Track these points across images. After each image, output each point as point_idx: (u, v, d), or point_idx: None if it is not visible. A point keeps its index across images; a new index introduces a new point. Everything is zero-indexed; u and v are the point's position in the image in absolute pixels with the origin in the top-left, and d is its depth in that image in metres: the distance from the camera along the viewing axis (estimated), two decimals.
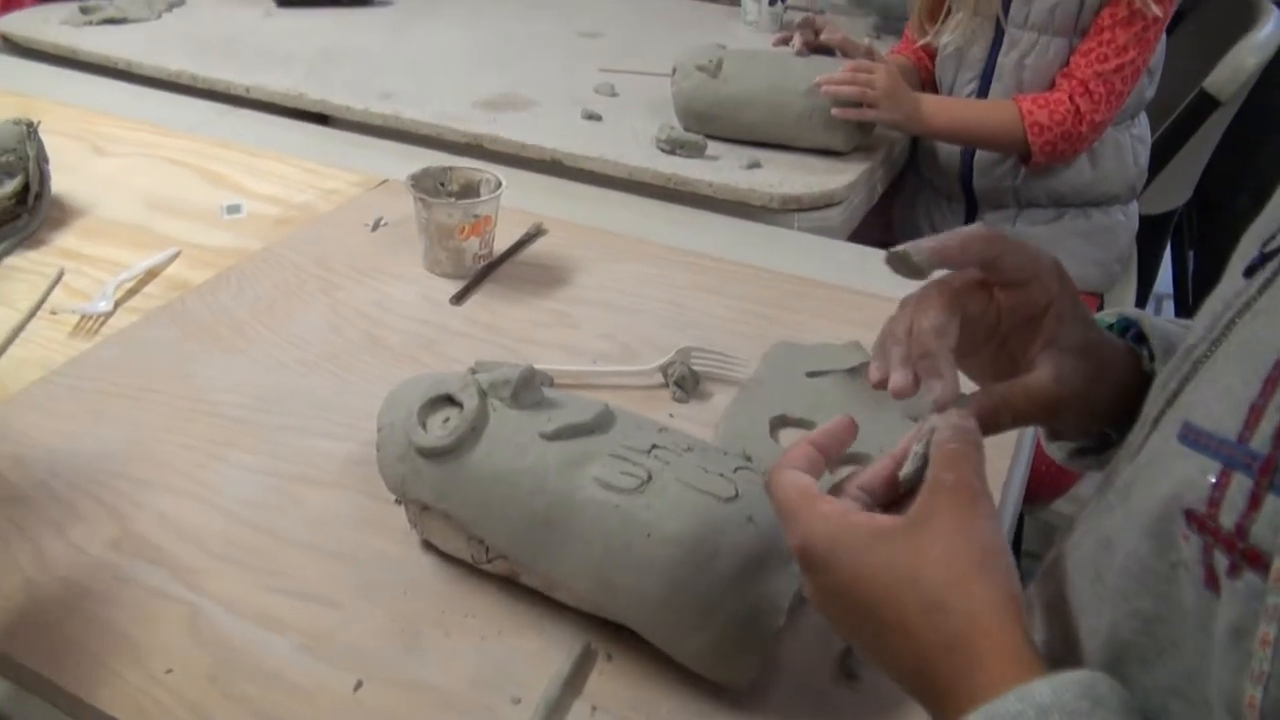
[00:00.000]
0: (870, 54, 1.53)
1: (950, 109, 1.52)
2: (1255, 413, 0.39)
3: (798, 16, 2.03)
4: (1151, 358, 0.62)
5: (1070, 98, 1.46)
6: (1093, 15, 1.46)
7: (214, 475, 0.84)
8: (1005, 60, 1.53)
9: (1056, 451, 0.69)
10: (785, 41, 1.61)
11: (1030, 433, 0.94)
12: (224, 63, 1.74)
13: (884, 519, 0.50)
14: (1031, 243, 0.59)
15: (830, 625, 0.52)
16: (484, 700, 0.66)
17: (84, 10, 2.01)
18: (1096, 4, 1.45)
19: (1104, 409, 0.61)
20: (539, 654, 0.69)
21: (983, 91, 1.56)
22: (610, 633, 0.70)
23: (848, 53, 1.53)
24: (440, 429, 0.73)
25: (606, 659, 0.69)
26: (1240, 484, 0.38)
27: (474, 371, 0.76)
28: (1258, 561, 0.37)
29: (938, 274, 0.58)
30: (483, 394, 0.73)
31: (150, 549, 0.77)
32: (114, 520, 0.80)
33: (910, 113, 1.45)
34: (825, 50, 1.54)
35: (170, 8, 2.05)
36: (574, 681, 0.68)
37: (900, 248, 0.56)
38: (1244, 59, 1.66)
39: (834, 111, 1.41)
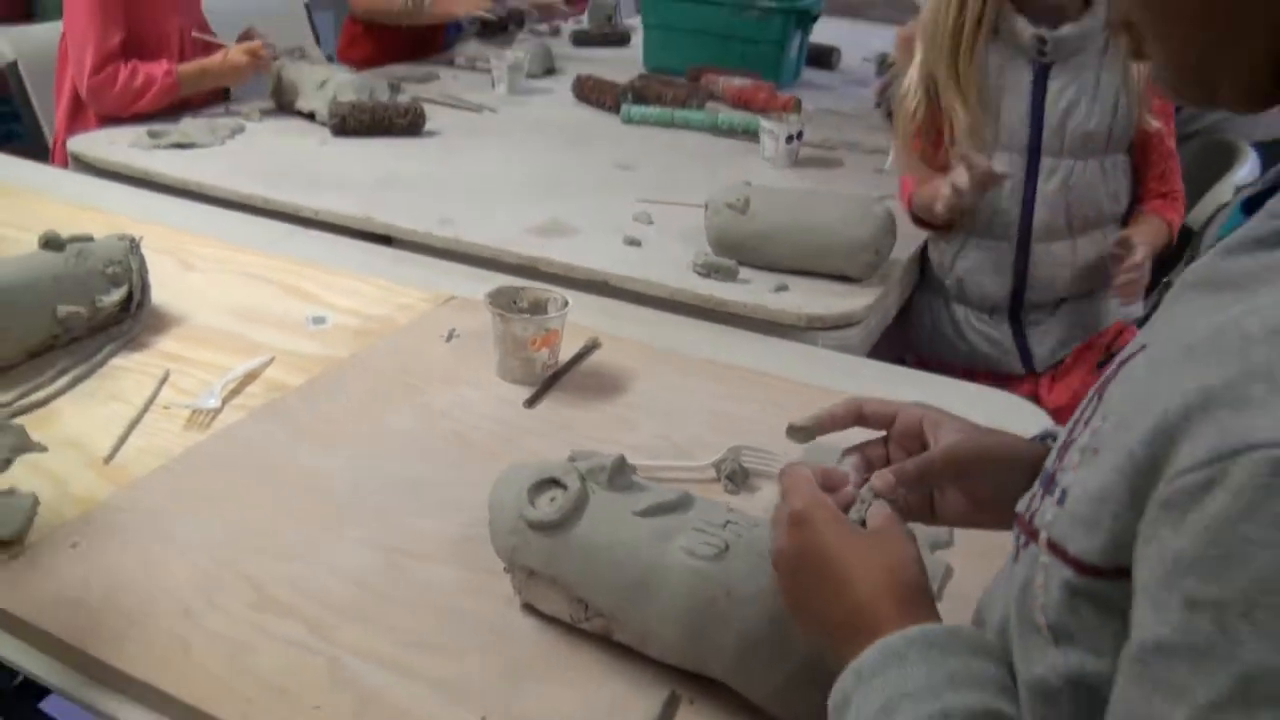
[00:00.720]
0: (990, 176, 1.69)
1: (1159, 246, 1.76)
2: (1064, 446, 0.58)
3: (810, 152, 2.22)
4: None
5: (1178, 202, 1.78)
6: (1125, 133, 1.68)
7: (331, 549, 0.97)
8: (1046, 187, 1.73)
9: None
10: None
11: None
12: (291, 186, 1.91)
13: (849, 524, 0.70)
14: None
15: (781, 578, 0.71)
16: None
17: (152, 135, 2.18)
18: (1126, 124, 1.67)
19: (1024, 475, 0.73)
20: (631, 698, 0.82)
21: (1025, 217, 1.74)
22: (691, 681, 0.82)
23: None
24: (548, 506, 0.86)
25: (689, 703, 0.82)
26: (1035, 490, 0.59)
27: (573, 459, 0.90)
28: (1035, 537, 0.56)
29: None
30: (583, 478, 0.87)
31: (285, 609, 0.90)
32: (250, 585, 0.92)
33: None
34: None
35: (232, 134, 2.23)
36: (666, 714, 0.80)
37: (791, 424, 0.83)
38: (1223, 196, 1.84)
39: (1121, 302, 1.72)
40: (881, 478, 0.74)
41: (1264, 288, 0.48)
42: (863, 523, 0.71)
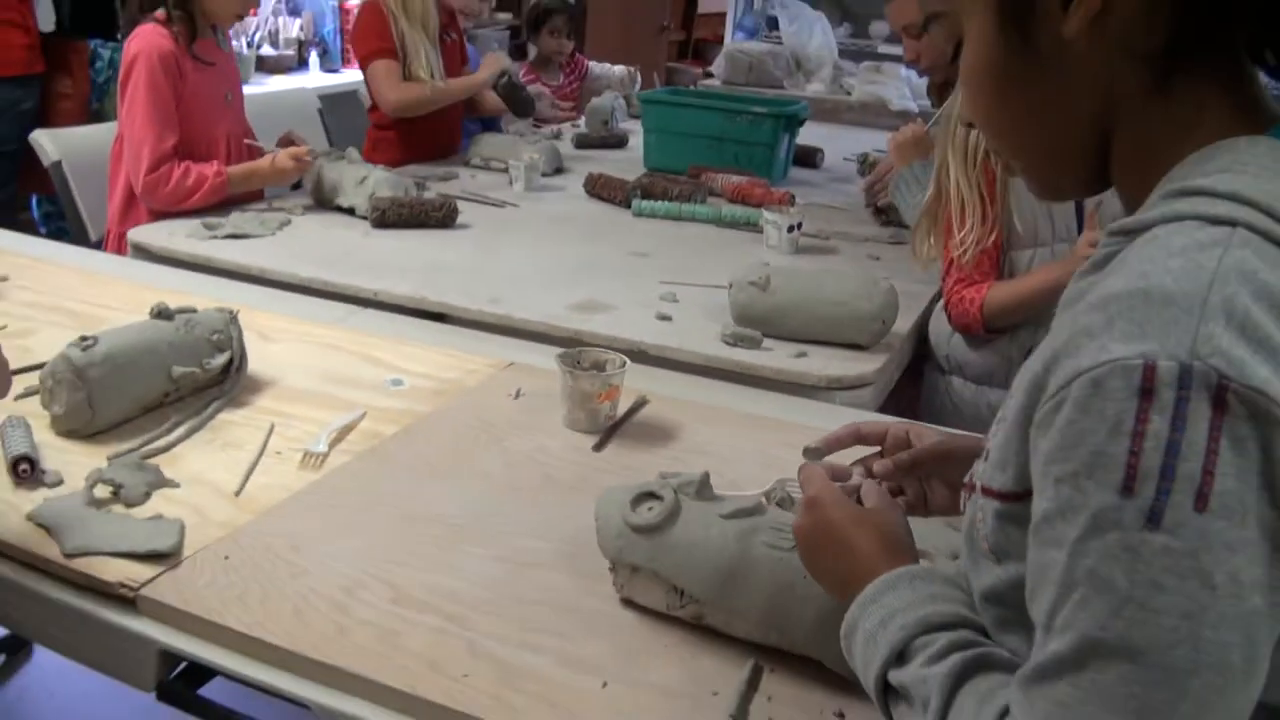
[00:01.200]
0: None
1: None
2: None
3: (808, 241, 2.44)
4: None
5: None
6: None
7: (454, 559, 1.15)
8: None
9: None
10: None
11: None
12: (345, 271, 2.10)
13: (854, 504, 0.91)
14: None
15: (801, 548, 0.92)
16: (692, 693, 0.96)
17: (207, 226, 2.37)
18: None
19: None
20: (723, 668, 1.00)
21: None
22: (770, 655, 1.00)
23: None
24: (648, 514, 1.04)
25: (770, 671, 0.99)
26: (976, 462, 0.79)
27: (664, 477, 1.08)
28: (973, 489, 0.76)
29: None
30: (675, 490, 1.05)
31: (422, 604, 1.07)
32: (388, 587, 1.10)
33: None
34: None
35: (280, 226, 2.42)
36: (752, 682, 0.98)
37: (806, 447, 1.08)
38: None
39: None
40: (881, 464, 0.99)
41: (1087, 299, 0.67)
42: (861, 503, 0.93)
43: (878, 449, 1.06)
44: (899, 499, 1.02)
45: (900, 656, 0.76)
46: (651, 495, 1.06)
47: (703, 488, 1.06)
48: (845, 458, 1.07)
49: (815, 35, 5.44)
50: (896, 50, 4.22)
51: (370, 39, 3.15)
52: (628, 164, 3.21)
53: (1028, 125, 0.78)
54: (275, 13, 5.01)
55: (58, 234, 3.20)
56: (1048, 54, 0.73)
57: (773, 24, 6.06)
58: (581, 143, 3.58)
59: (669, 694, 0.96)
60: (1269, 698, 0.63)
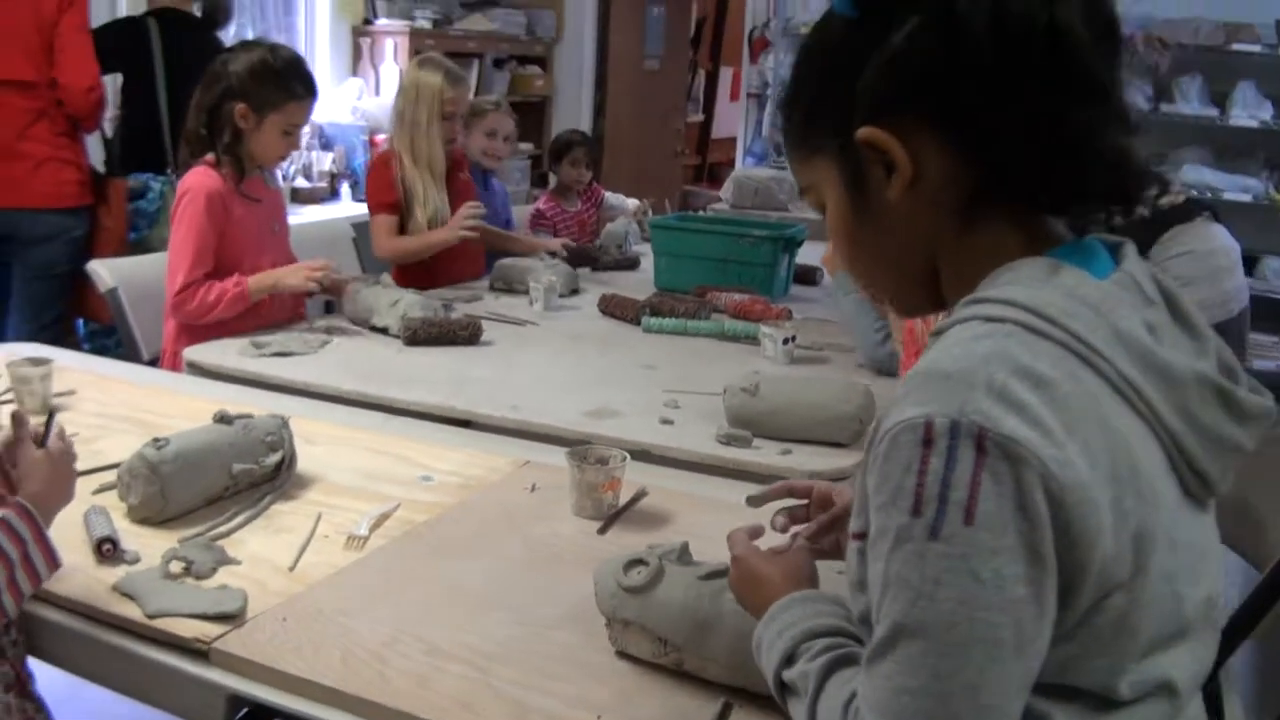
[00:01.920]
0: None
1: None
2: None
3: (803, 353, 2.66)
4: None
5: None
6: None
7: (479, 622, 1.35)
8: None
9: None
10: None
11: None
12: (381, 384, 2.34)
13: (767, 554, 1.17)
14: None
15: (734, 592, 1.17)
16: None
17: (256, 345, 2.62)
18: None
19: None
20: (698, 706, 1.19)
21: None
22: (739, 694, 1.20)
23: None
24: (636, 576, 1.25)
25: (738, 707, 1.19)
26: None
27: (650, 548, 1.29)
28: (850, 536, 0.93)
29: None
30: (660, 557, 1.26)
31: (450, 656, 1.27)
32: (422, 642, 1.30)
33: None
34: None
35: (322, 345, 2.67)
36: (723, 716, 1.17)
37: (749, 496, 1.39)
38: None
39: None
40: (806, 529, 1.25)
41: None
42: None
43: (804, 501, 1.33)
44: (823, 542, 1.25)
45: (789, 659, 0.99)
46: (640, 562, 1.27)
47: (683, 554, 1.27)
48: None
49: None
50: None
51: (374, 192, 3.49)
52: (640, 285, 3.46)
53: (878, 265, 1.02)
54: (309, 147, 5.36)
55: (101, 352, 3.47)
56: (882, 213, 0.96)
57: (780, 150, 6.39)
58: (597, 266, 3.83)
59: None
60: (1077, 680, 0.84)
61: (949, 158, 0.91)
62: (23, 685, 1.40)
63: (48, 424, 1.44)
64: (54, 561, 1.33)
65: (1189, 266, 2.38)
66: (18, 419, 1.42)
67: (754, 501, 1.39)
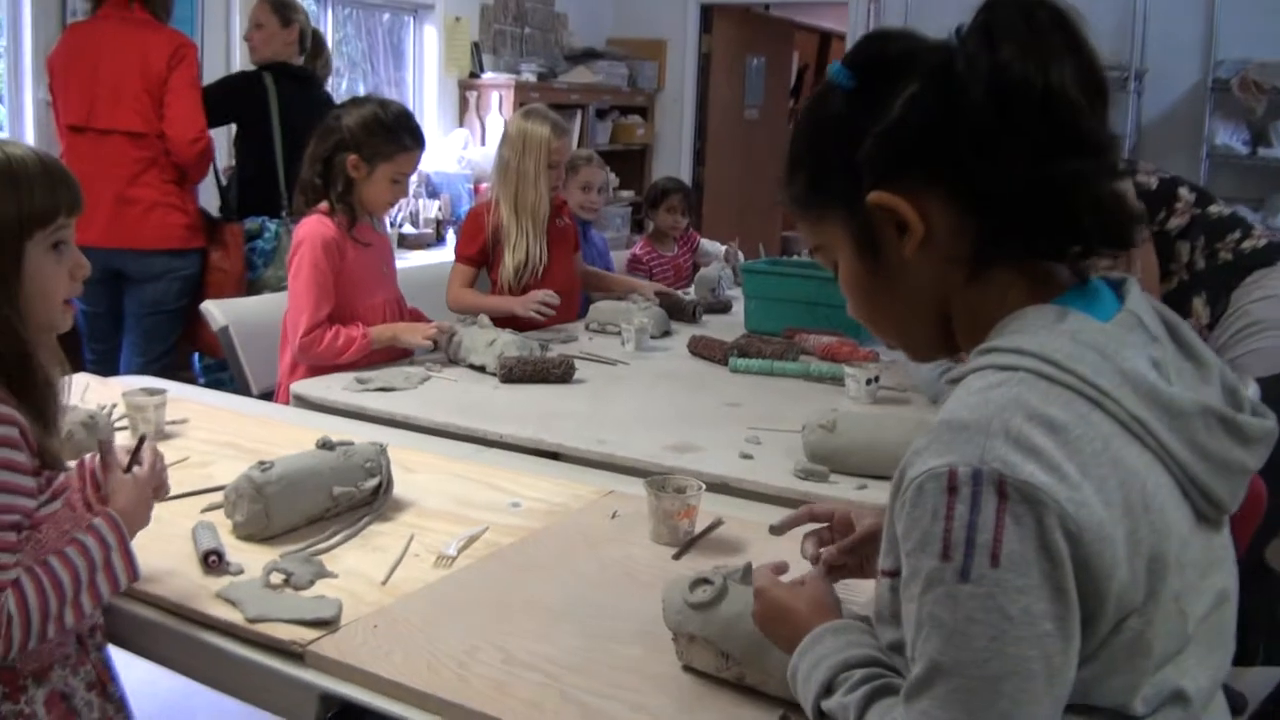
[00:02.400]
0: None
1: None
2: None
3: (885, 394, 2.70)
4: None
5: None
6: None
7: (553, 634, 1.43)
8: None
9: None
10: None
11: None
12: (476, 418, 2.44)
13: (789, 585, 1.23)
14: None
15: (759, 625, 1.22)
16: None
17: (360, 381, 2.75)
18: None
19: None
20: (759, 717, 1.25)
21: None
22: (798, 710, 1.25)
23: None
24: (702, 594, 1.32)
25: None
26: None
27: (716, 568, 1.36)
28: (880, 573, 1.01)
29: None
30: (724, 577, 1.33)
31: (526, 665, 1.35)
32: (500, 651, 1.38)
33: None
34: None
35: (423, 381, 2.80)
36: None
37: (771, 525, 1.49)
38: None
39: None
40: (828, 552, 1.33)
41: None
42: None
43: (826, 524, 1.40)
44: (844, 565, 1.34)
45: (828, 689, 1.04)
46: (706, 580, 1.34)
47: (746, 574, 1.33)
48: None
49: None
50: None
51: (460, 241, 3.66)
52: (731, 327, 3.54)
53: (891, 316, 1.08)
54: (416, 195, 5.57)
55: (215, 386, 3.67)
56: (895, 268, 1.03)
57: None
58: (687, 319, 3.85)
59: None
60: (1096, 700, 0.89)
61: (955, 213, 0.98)
62: (104, 685, 1.52)
63: (136, 449, 1.56)
64: (133, 572, 1.43)
65: (1270, 310, 2.36)
66: (104, 445, 1.56)
67: (777, 529, 1.47)
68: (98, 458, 1.55)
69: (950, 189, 0.97)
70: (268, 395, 3.02)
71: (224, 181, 4.33)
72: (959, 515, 0.86)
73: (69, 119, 3.78)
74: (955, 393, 0.95)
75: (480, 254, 3.59)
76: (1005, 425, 0.87)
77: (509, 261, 3.53)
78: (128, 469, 1.52)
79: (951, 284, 1.01)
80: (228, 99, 4.08)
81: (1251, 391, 1.02)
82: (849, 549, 1.34)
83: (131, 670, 1.59)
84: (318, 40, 4.37)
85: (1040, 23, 0.94)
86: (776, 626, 1.19)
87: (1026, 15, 0.94)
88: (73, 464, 1.55)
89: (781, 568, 1.29)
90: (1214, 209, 2.60)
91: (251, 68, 4.27)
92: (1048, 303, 0.97)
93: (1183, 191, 2.64)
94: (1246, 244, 2.48)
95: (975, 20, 0.96)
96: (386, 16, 6.09)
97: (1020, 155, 0.93)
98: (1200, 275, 2.56)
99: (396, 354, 3.04)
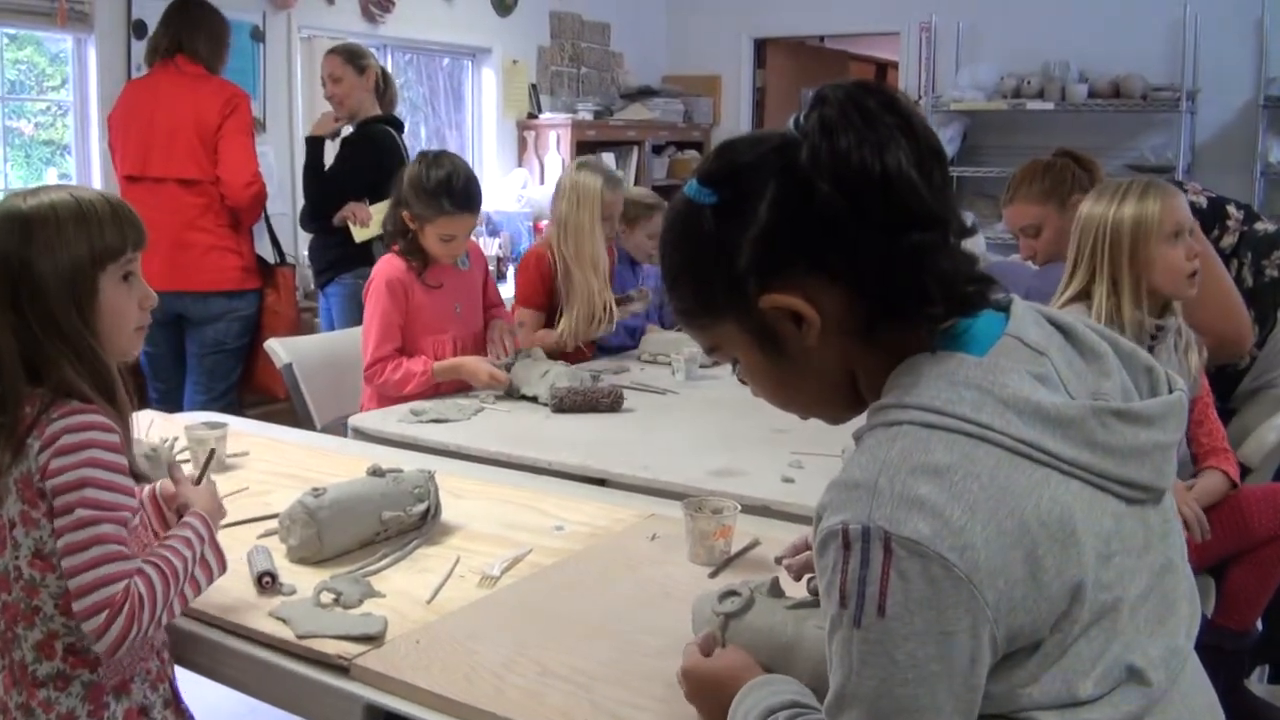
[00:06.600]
0: None
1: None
2: None
3: None
4: None
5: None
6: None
7: (588, 647, 1.48)
8: None
9: None
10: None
11: None
12: (527, 446, 2.51)
13: (711, 658, 1.29)
14: None
15: (690, 699, 1.29)
16: None
17: (414, 413, 2.83)
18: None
19: None
20: None
21: None
22: None
23: None
24: (731, 604, 1.36)
25: None
26: None
27: (744, 582, 1.40)
28: None
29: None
30: (752, 589, 1.37)
31: (561, 676, 1.40)
32: (537, 664, 1.43)
33: None
34: None
35: (476, 412, 2.87)
36: None
37: (777, 557, 1.59)
38: (1266, 436, 2.27)
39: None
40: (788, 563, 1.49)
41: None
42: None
43: None
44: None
45: None
46: (734, 593, 1.38)
47: (774, 588, 1.37)
48: None
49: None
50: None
51: (522, 285, 3.70)
52: None
53: (805, 395, 1.14)
54: (476, 234, 5.67)
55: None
56: (799, 355, 1.08)
57: None
58: None
59: None
60: (1038, 700, 0.96)
61: (842, 291, 1.03)
62: (177, 703, 1.59)
63: (206, 462, 1.69)
64: (223, 564, 1.56)
65: None
66: (174, 467, 1.68)
67: (781, 561, 1.56)
68: (160, 488, 1.65)
69: (831, 273, 1.03)
70: (332, 430, 3.11)
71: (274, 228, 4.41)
72: (852, 569, 0.93)
73: (125, 170, 3.94)
74: (853, 453, 1.02)
75: (544, 303, 3.62)
76: (890, 482, 0.94)
77: (573, 313, 3.54)
78: (198, 481, 1.65)
79: (853, 354, 1.07)
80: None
81: None
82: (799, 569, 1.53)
83: (193, 691, 1.66)
84: (385, 77, 4.48)
85: (871, 111, 1.00)
86: (709, 699, 1.27)
87: (858, 105, 1.00)
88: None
89: (710, 642, 1.33)
90: (1260, 226, 2.60)
91: (346, 124, 4.34)
92: (927, 350, 1.03)
93: (1231, 209, 2.65)
94: None
95: (811, 113, 1.02)
96: (446, 61, 6.24)
97: (870, 235, 0.99)
98: (1249, 293, 2.56)
99: (463, 384, 3.11)
